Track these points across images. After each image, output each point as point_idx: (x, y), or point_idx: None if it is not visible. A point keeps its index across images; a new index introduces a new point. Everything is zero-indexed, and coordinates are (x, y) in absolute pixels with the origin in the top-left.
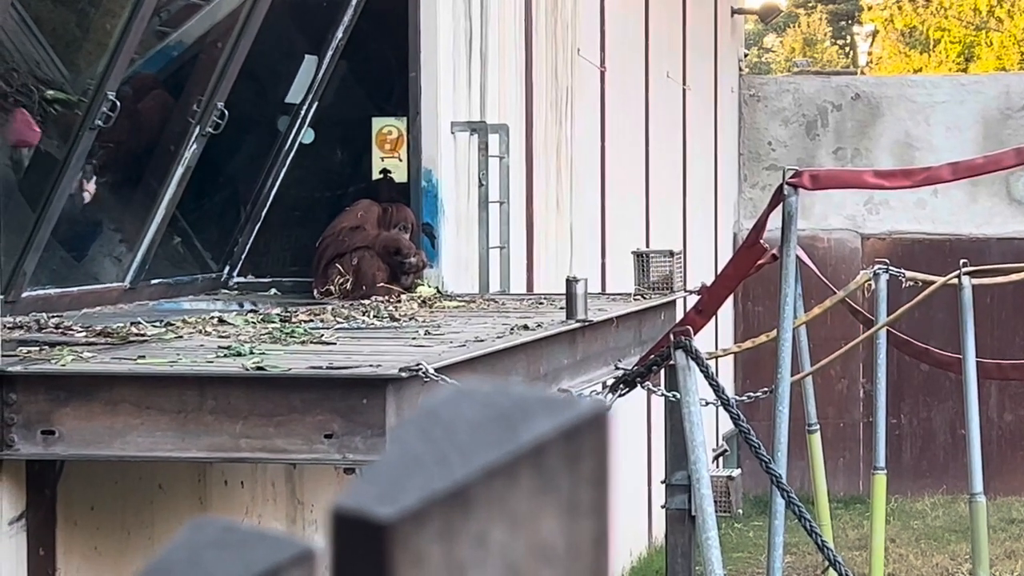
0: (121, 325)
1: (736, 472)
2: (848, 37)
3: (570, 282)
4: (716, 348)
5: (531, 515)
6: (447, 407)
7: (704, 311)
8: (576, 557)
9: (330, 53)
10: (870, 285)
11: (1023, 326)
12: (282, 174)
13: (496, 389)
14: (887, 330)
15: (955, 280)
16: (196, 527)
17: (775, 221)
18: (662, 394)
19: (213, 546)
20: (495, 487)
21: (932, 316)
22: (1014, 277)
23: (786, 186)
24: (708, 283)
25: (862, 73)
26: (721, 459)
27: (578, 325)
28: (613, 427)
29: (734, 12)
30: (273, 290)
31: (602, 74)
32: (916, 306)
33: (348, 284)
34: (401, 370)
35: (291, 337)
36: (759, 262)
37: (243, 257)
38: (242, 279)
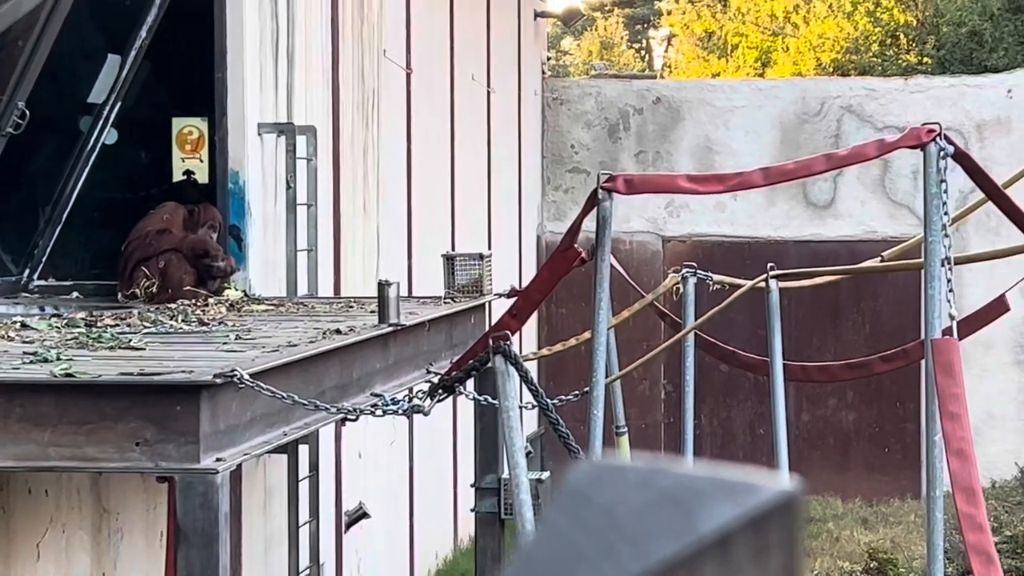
0: None
1: (546, 475)
2: (644, 41)
3: (382, 286)
4: (520, 351)
5: None
6: (596, 489)
7: (519, 315)
8: None
9: (133, 53)
10: (678, 288)
11: (819, 328)
12: (84, 175)
13: (649, 468)
14: (695, 333)
15: (763, 283)
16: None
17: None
18: (473, 398)
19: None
20: None
21: (731, 318)
22: (819, 280)
23: (600, 191)
24: (517, 286)
25: (661, 77)
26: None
27: (390, 329)
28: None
29: (537, 15)
30: (75, 293)
31: (408, 76)
32: (719, 309)
33: (154, 287)
34: (216, 376)
35: (98, 342)
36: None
37: (43, 260)
38: (43, 282)
